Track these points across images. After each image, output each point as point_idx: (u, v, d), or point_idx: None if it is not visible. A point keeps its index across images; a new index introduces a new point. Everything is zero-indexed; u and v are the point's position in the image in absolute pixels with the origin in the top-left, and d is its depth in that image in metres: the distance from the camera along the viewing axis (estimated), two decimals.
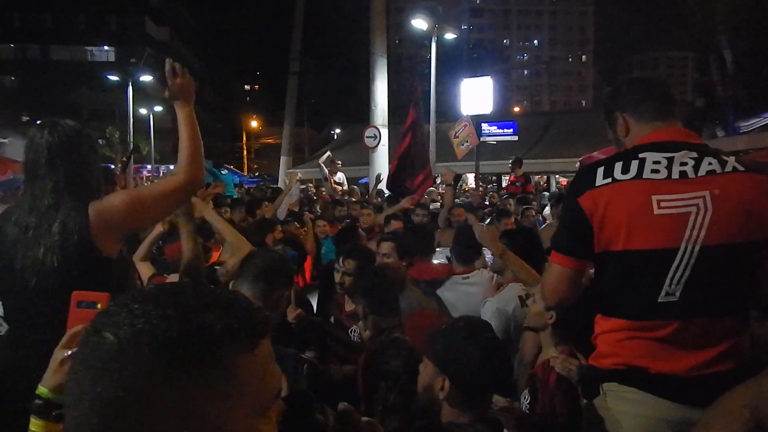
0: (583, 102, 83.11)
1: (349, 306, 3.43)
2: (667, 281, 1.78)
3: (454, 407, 1.75)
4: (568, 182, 22.34)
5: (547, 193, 14.34)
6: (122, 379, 0.64)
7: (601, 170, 1.85)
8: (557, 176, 24.26)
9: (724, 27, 20.46)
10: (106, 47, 52.13)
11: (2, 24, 49.01)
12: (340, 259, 3.37)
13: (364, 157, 14.20)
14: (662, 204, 1.77)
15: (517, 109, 51.39)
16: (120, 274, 2.21)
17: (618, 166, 1.84)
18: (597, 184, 1.83)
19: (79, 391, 0.66)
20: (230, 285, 2.12)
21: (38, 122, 2.17)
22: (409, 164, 8.92)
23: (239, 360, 0.68)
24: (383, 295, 2.66)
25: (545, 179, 23.47)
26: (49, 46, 50.88)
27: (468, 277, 3.70)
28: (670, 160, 1.82)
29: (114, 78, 33.53)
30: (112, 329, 0.66)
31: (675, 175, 1.79)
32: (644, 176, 1.80)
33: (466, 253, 3.72)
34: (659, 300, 1.79)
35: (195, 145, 2.17)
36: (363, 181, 15.15)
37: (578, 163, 10.32)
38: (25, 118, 44.06)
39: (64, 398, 0.69)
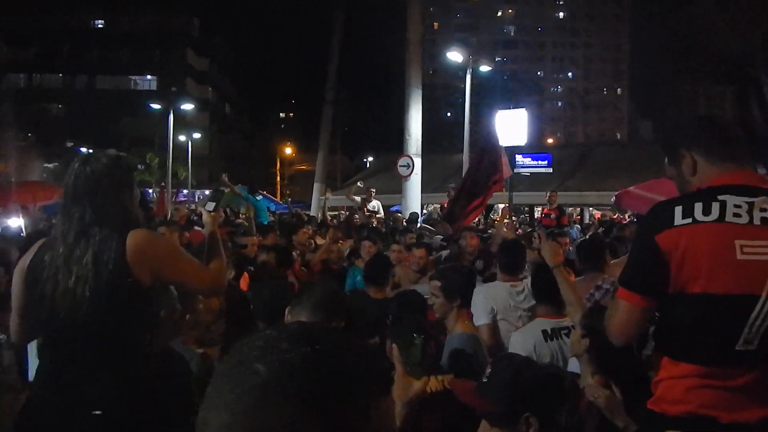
0: (618, 135, 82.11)
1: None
2: (746, 329, 1.73)
3: None
4: (601, 215, 22.04)
5: (578, 227, 14.12)
6: (266, 415, 0.65)
7: (679, 209, 1.81)
8: (591, 209, 23.95)
9: (764, 61, 20.12)
10: (149, 76, 54.00)
11: (52, 55, 51.30)
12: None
13: (397, 186, 14.28)
14: (745, 249, 1.73)
15: (550, 140, 51.12)
16: (156, 302, 2.27)
17: (698, 206, 1.79)
18: (676, 223, 1.79)
19: (217, 423, 0.67)
20: (287, 310, 2.15)
21: (81, 154, 2.31)
22: (467, 189, 8.50)
23: (373, 403, 0.70)
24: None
25: (578, 212, 23.18)
26: (95, 76, 52.97)
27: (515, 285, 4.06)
28: (751, 205, 1.78)
29: (155, 106, 34.59)
30: (262, 363, 0.68)
31: (756, 221, 1.75)
32: (726, 219, 1.76)
33: (513, 263, 4.07)
34: (737, 348, 1.74)
35: (221, 259, 2.42)
36: (394, 209, 15.19)
37: (614, 198, 10.14)
38: (69, 144, 45.70)
39: (197, 427, 0.70)
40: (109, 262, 2.06)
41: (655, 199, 2.42)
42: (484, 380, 1.77)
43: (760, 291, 1.71)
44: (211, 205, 2.63)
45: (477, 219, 9.39)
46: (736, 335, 1.73)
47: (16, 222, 9.17)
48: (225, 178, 10.90)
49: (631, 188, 9.84)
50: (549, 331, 3.25)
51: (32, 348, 3.14)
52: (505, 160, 8.43)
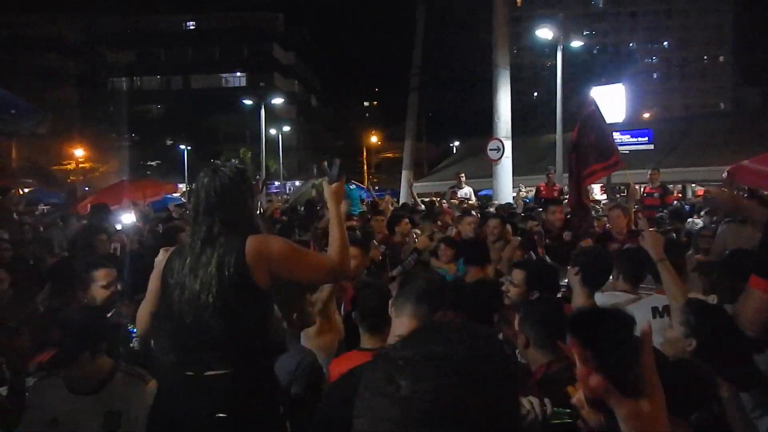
0: (722, 105, 76.46)
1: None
2: None
3: None
4: (705, 192, 20.59)
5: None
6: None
7: None
8: (693, 185, 22.46)
9: None
10: (238, 73, 56.14)
11: (150, 58, 54.48)
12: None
13: (486, 170, 14.01)
14: None
15: (646, 115, 48.40)
16: (274, 303, 2.34)
17: None
18: None
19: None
20: (390, 304, 2.14)
21: (208, 167, 2.36)
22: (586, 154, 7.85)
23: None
24: (556, 326, 2.49)
25: (680, 189, 21.79)
26: (190, 76, 55.75)
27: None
28: None
29: (247, 102, 35.90)
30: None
31: None
32: None
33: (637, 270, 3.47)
34: None
35: (343, 239, 2.36)
36: (483, 193, 14.94)
37: (725, 173, 9.41)
38: (169, 143, 48.49)
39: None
40: (231, 266, 2.16)
41: None
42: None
43: None
44: (333, 177, 2.53)
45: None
46: None
47: (129, 218, 9.79)
48: (325, 164, 11.01)
49: (746, 162, 9.05)
50: (660, 309, 3.12)
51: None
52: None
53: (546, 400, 1.70)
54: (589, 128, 7.60)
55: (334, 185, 2.51)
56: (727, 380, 2.18)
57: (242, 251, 2.17)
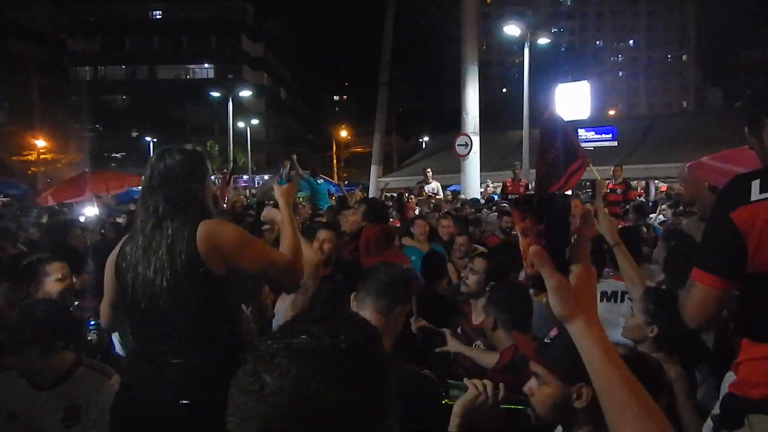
0: (684, 104, 78.36)
1: (477, 318, 3.38)
2: None
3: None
4: (668, 188, 21.13)
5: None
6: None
7: (756, 184, 1.71)
8: (656, 182, 23.03)
9: None
10: (206, 64, 55.29)
11: (115, 48, 53.22)
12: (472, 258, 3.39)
13: (455, 165, 14.12)
14: None
15: (612, 112, 49.33)
16: (235, 293, 2.30)
17: None
18: (753, 198, 1.69)
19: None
20: (352, 297, 2.14)
21: (159, 149, 2.34)
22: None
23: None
24: (523, 309, 2.59)
25: (643, 185, 22.32)
26: (156, 67, 54.67)
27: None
28: None
29: (215, 94, 35.40)
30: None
31: None
32: None
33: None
34: None
35: (295, 238, 2.41)
36: (452, 188, 15.07)
37: (685, 168, 9.64)
38: (134, 134, 47.54)
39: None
40: (182, 253, 2.12)
41: (732, 171, 2.30)
42: (547, 341, 1.72)
43: None
44: (282, 180, 2.60)
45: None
46: None
47: (91, 211, 9.60)
48: (295, 158, 10.90)
49: (705, 159, 9.31)
50: (609, 293, 3.29)
51: (115, 335, 3.31)
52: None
53: (500, 385, 1.74)
54: (551, 139, 7.67)
55: (284, 186, 2.55)
56: (681, 360, 2.37)
57: (193, 237, 2.13)
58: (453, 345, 3.00)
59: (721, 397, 1.97)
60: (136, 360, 2.22)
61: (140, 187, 2.43)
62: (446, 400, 1.71)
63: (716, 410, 2.00)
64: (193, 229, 2.14)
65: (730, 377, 1.99)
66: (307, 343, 0.75)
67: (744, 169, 1.86)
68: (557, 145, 7.52)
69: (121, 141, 45.29)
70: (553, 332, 1.75)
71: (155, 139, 41.12)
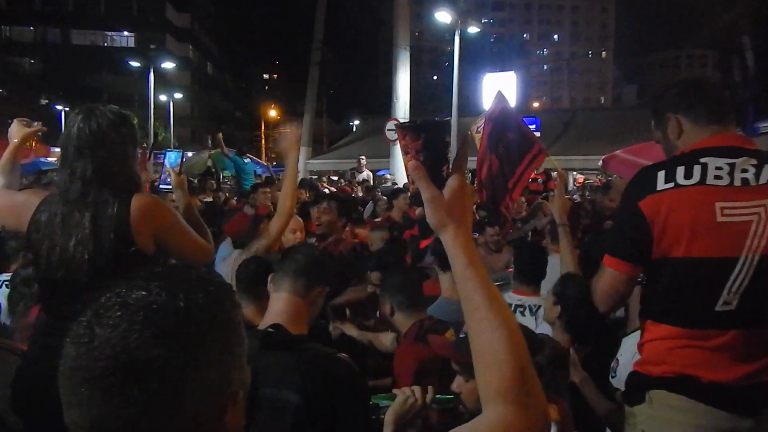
0: (602, 99, 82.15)
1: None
2: (726, 290, 1.76)
3: None
4: (584, 180, 22.11)
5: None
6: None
7: (662, 174, 1.81)
8: (574, 173, 24.04)
9: (747, 27, 20.10)
10: (126, 33, 52.35)
11: (22, 6, 49.28)
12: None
13: (384, 150, 14.16)
14: (725, 212, 1.74)
15: (536, 104, 50.99)
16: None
17: (680, 170, 1.80)
18: (658, 188, 1.79)
19: None
20: (269, 278, 2.07)
21: (77, 109, 2.13)
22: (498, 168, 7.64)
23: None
24: (414, 290, 2.70)
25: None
26: (69, 30, 51.18)
27: None
28: (732, 166, 1.78)
29: (135, 64, 33.64)
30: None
31: (737, 182, 1.76)
32: (707, 182, 1.77)
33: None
34: (716, 309, 1.78)
35: (205, 230, 2.43)
36: (381, 173, 15.12)
37: (601, 161, 10.14)
38: (44, 102, 44.52)
39: None
40: (111, 228, 1.98)
41: (642, 164, 2.44)
42: (462, 336, 1.77)
43: (739, 253, 1.73)
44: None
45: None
46: (715, 297, 1.76)
47: None
48: (220, 136, 10.73)
49: (618, 152, 9.79)
50: (512, 306, 3.35)
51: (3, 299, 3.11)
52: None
53: (429, 387, 1.75)
54: (502, 129, 7.32)
55: (179, 177, 2.75)
56: (584, 342, 2.59)
57: (127, 211, 1.99)
58: (349, 329, 3.11)
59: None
60: (46, 332, 2.05)
61: (58, 150, 2.23)
62: (381, 416, 1.69)
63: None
64: (125, 203, 2.00)
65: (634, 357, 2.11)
66: (142, 298, 0.73)
67: (652, 162, 1.97)
68: (509, 137, 7.36)
69: (28, 108, 42.20)
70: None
71: (67, 108, 38.67)
